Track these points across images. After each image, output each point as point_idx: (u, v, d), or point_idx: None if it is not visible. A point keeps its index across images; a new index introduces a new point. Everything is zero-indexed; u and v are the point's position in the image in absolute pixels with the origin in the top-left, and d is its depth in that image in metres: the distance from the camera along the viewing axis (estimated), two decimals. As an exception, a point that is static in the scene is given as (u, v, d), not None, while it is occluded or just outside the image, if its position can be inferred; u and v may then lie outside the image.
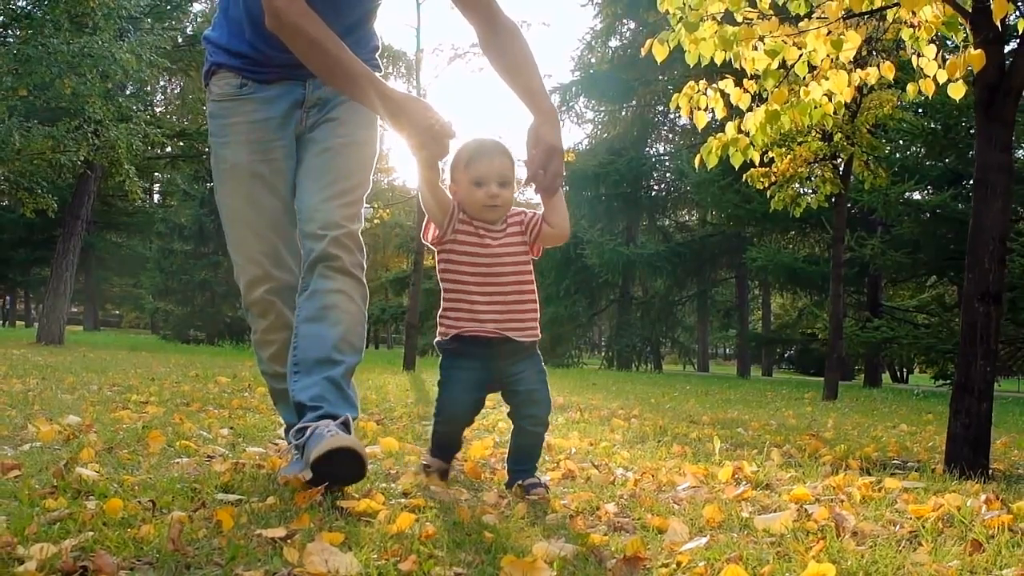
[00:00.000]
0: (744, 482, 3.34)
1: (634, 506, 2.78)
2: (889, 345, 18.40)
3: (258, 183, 3.04)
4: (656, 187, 33.10)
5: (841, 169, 12.16)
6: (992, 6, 3.98)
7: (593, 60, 33.29)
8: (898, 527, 2.59)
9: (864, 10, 4.43)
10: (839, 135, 11.46)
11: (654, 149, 33.91)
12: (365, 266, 3.05)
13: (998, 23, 4.10)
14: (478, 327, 2.88)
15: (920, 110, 19.02)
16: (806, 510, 2.71)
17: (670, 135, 33.85)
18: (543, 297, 28.75)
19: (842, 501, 3.00)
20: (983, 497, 3.04)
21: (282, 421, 3.32)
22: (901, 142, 20.76)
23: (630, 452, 4.31)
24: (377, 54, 3.23)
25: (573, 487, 3.11)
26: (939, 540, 2.41)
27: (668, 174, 32.05)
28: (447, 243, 2.92)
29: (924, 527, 2.56)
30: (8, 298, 57.04)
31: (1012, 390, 30.91)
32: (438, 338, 2.97)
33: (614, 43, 33.04)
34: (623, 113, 32.69)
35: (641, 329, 31.54)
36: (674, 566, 1.98)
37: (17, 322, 53.25)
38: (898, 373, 38.86)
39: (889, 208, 18.96)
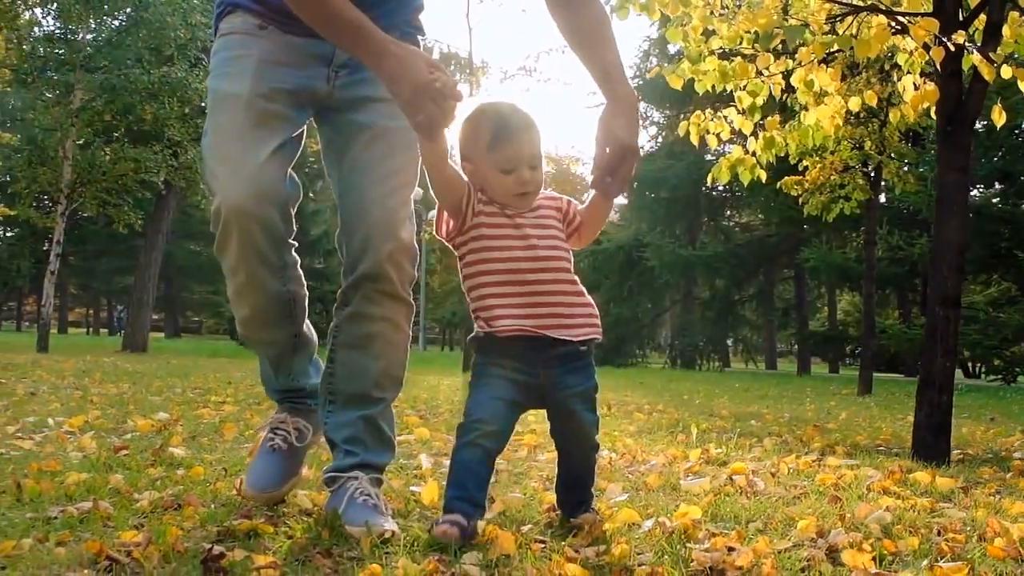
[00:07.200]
0: (702, 460, 3.90)
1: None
2: (936, 342, 18.47)
3: (256, 116, 2.38)
4: (715, 189, 33.35)
5: (872, 176, 12.64)
6: (930, 52, 4.60)
7: (652, 65, 33.66)
8: (796, 489, 3.14)
9: (822, 56, 5.06)
10: (869, 144, 11.96)
11: (713, 152, 34.15)
12: (417, 275, 2.56)
13: (938, 66, 4.68)
14: (515, 324, 2.32)
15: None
16: (731, 479, 3.26)
17: (730, 137, 33.94)
18: (606, 299, 29.36)
19: (771, 473, 3.56)
20: (888, 469, 3.66)
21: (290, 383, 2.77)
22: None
23: (635, 440, 4.77)
24: (420, 15, 2.68)
25: (558, 464, 3.74)
26: (816, 498, 2.95)
27: (728, 176, 32.17)
28: (469, 230, 2.36)
29: (815, 490, 3.13)
30: (93, 310, 58.77)
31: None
32: (473, 332, 2.42)
33: (672, 49, 33.39)
34: (683, 117, 32.88)
35: (703, 328, 31.88)
36: (589, 510, 2.67)
37: (100, 329, 55.02)
38: (970, 368, 38.11)
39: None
